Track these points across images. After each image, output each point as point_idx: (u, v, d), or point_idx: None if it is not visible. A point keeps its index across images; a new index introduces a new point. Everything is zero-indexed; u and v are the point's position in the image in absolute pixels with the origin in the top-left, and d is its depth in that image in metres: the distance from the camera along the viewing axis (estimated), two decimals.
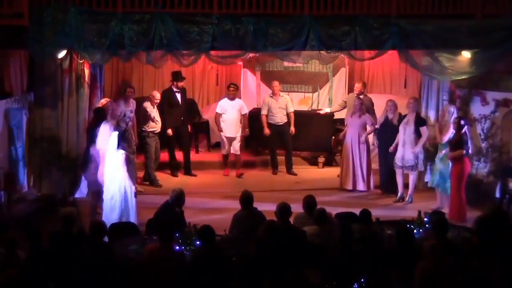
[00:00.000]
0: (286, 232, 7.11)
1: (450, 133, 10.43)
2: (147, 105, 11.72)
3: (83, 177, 10.67)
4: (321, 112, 13.18)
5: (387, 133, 11.30)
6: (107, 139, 9.43)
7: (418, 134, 10.90)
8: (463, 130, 10.08)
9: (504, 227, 7.35)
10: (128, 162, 9.15)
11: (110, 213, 9.00)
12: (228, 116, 12.49)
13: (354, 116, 11.69)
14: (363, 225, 7.42)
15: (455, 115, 10.67)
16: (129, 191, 9.07)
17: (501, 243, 6.90)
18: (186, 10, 9.84)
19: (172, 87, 12.25)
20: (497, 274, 6.48)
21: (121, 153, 9.03)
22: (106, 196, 9.15)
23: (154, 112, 11.74)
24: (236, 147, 12.58)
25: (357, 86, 12.32)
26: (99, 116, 9.84)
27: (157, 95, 11.83)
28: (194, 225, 7.80)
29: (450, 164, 10.31)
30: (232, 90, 12.55)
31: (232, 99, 12.53)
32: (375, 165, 11.95)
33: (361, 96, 12.12)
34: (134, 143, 11.12)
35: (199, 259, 6.68)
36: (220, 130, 12.54)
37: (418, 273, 6.32)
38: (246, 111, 12.71)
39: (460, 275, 6.36)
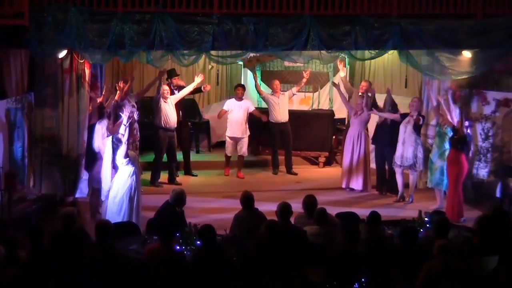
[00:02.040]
0: (287, 232, 7.11)
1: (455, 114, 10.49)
2: (160, 100, 11.71)
3: (83, 177, 10.70)
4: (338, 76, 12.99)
5: (384, 133, 11.33)
6: (102, 137, 9.47)
7: (418, 133, 10.96)
8: (467, 131, 10.13)
9: (504, 227, 7.36)
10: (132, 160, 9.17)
11: (115, 212, 8.99)
12: (235, 116, 12.50)
13: (356, 115, 11.72)
14: (370, 227, 7.39)
15: (458, 115, 10.67)
16: (134, 190, 9.06)
17: (502, 243, 6.91)
18: (187, 10, 9.83)
19: (170, 84, 12.27)
20: (498, 274, 6.48)
21: (122, 153, 9.03)
22: (110, 195, 9.15)
23: (166, 107, 11.73)
24: (243, 148, 12.57)
25: (363, 85, 12.29)
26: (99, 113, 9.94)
27: (166, 87, 11.82)
28: (195, 225, 7.80)
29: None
30: (241, 91, 12.60)
31: (240, 99, 12.55)
32: (373, 165, 11.98)
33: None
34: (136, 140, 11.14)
35: (199, 258, 6.67)
36: (220, 116, 12.64)
37: (424, 272, 6.32)
38: (253, 108, 12.73)
39: (464, 275, 6.37)
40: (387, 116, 11.27)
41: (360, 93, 12.05)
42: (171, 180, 11.95)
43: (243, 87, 12.80)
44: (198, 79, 12.01)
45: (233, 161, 12.78)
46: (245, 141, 12.58)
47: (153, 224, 8.10)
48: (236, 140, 12.53)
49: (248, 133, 12.63)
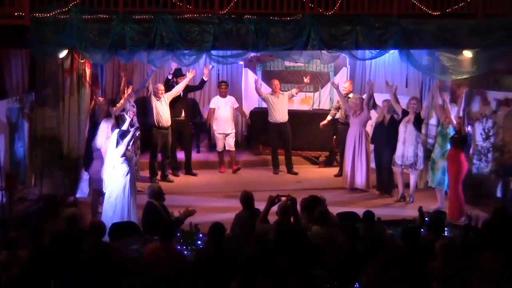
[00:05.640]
0: (288, 232, 7.11)
1: (454, 111, 10.58)
2: (152, 99, 11.81)
3: (83, 177, 10.70)
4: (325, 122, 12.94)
5: (382, 132, 11.35)
6: (106, 136, 9.48)
7: (419, 131, 11.00)
8: (468, 129, 10.16)
9: (508, 226, 7.37)
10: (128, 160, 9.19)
11: (109, 212, 9.01)
12: (221, 113, 12.73)
13: (355, 115, 11.73)
14: (367, 225, 7.41)
15: (455, 113, 10.73)
16: (128, 189, 9.06)
17: (505, 242, 6.91)
18: (187, 9, 9.83)
19: (173, 84, 12.31)
20: (499, 273, 6.47)
21: (120, 152, 9.05)
22: (105, 195, 9.17)
23: (159, 105, 11.80)
24: (230, 143, 12.74)
25: (345, 86, 12.37)
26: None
27: (161, 87, 11.95)
28: (196, 225, 7.81)
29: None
30: (224, 88, 12.81)
31: (224, 96, 12.71)
32: (374, 165, 11.98)
33: (350, 96, 12.22)
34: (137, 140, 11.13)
35: (205, 257, 6.65)
36: (209, 125, 12.93)
37: (430, 273, 6.35)
38: (237, 104, 13.00)
39: (465, 275, 6.38)
40: (397, 108, 11.23)
41: (345, 94, 12.16)
42: (163, 177, 12.06)
43: (226, 84, 13.02)
44: (190, 75, 12.16)
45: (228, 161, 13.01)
46: (232, 136, 12.84)
47: (142, 225, 8.18)
48: (224, 135, 12.73)
49: (234, 130, 12.92)
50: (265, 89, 13.50)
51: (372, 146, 11.84)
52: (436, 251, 6.44)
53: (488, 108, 11.05)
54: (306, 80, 12.69)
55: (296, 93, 12.92)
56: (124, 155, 9.04)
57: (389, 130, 11.22)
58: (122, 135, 9.10)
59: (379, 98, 11.95)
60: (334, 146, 13.56)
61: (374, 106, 11.86)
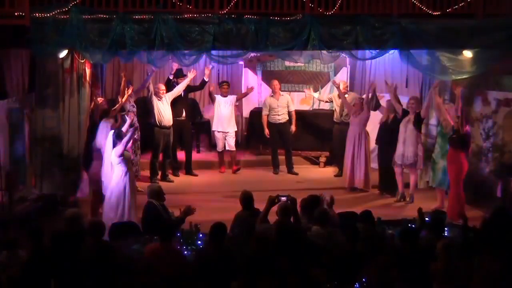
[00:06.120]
0: (288, 232, 7.11)
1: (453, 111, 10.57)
2: (153, 98, 11.83)
3: (83, 176, 10.70)
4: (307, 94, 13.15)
5: (386, 132, 11.35)
6: (106, 136, 9.49)
7: (419, 130, 11.01)
8: (466, 129, 10.16)
9: (508, 226, 7.37)
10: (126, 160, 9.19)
11: (110, 212, 9.03)
12: (222, 111, 12.72)
13: (355, 115, 11.73)
14: (367, 225, 7.41)
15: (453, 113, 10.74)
16: (128, 189, 9.07)
17: (505, 242, 6.91)
18: (187, 9, 9.83)
19: (174, 84, 12.33)
20: (499, 273, 6.48)
21: (117, 152, 9.06)
22: (106, 196, 9.18)
23: (160, 105, 11.83)
24: (231, 143, 12.74)
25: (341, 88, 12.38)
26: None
27: (162, 86, 12.00)
28: (196, 225, 7.81)
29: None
30: (226, 88, 12.81)
31: (225, 96, 12.76)
32: (374, 165, 11.98)
33: (346, 95, 12.22)
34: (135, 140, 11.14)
35: (206, 258, 6.65)
36: (213, 98, 12.81)
37: (432, 273, 6.36)
38: (235, 97, 13.01)
39: (466, 275, 6.38)
40: (397, 108, 11.24)
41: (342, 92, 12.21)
42: (163, 177, 12.09)
43: (228, 84, 13.04)
44: (190, 75, 12.21)
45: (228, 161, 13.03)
46: (232, 135, 12.82)
47: (142, 225, 8.19)
48: (224, 134, 12.73)
49: (235, 128, 12.91)
50: (265, 89, 13.53)
51: (376, 146, 11.85)
52: (438, 252, 6.44)
53: (488, 108, 11.05)
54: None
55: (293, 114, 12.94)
56: (121, 155, 9.04)
57: (392, 129, 11.21)
58: (118, 136, 9.11)
59: (381, 98, 11.94)
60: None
61: (377, 106, 11.86)
